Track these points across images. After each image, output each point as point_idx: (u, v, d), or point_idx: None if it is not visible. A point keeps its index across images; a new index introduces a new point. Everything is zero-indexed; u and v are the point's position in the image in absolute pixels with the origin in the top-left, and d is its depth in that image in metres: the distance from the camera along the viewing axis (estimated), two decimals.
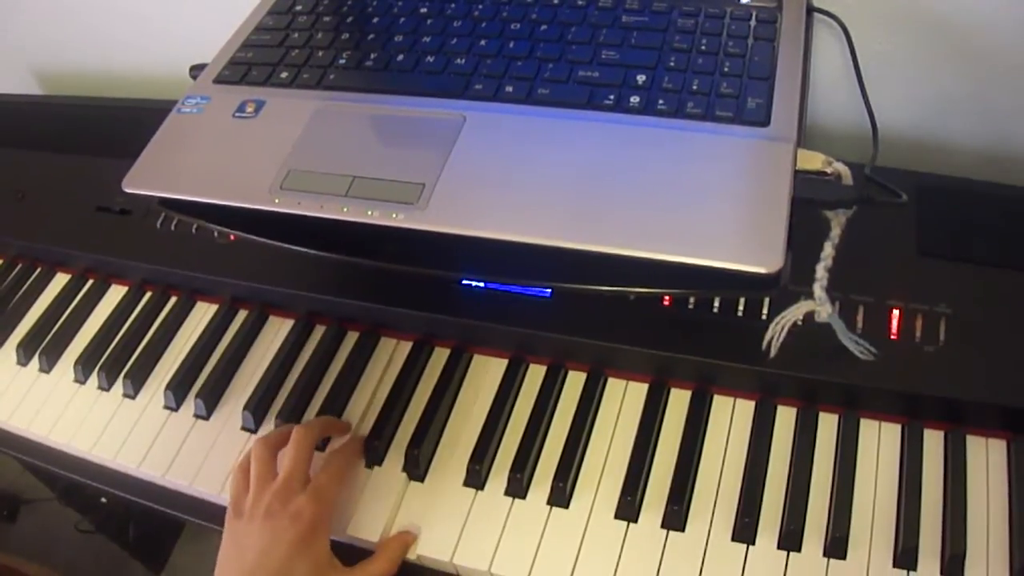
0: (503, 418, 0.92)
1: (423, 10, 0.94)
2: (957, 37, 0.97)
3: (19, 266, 1.22)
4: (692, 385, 0.91)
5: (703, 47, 0.85)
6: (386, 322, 1.02)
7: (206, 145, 0.86)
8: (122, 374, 1.04)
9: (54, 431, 1.02)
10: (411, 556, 0.85)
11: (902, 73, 1.02)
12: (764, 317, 0.88)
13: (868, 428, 0.86)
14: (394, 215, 0.75)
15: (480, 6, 0.93)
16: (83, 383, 1.06)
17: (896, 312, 0.86)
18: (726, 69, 0.83)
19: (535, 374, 0.95)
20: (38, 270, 1.20)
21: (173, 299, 1.12)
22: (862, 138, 0.96)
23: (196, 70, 0.96)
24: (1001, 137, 1.05)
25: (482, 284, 0.94)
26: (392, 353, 1.00)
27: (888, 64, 1.01)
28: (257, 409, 0.97)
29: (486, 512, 0.86)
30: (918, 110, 1.06)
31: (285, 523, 0.80)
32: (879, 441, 0.85)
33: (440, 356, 0.99)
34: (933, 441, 0.84)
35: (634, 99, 0.81)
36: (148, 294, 1.13)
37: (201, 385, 1.01)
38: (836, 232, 0.78)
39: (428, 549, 0.85)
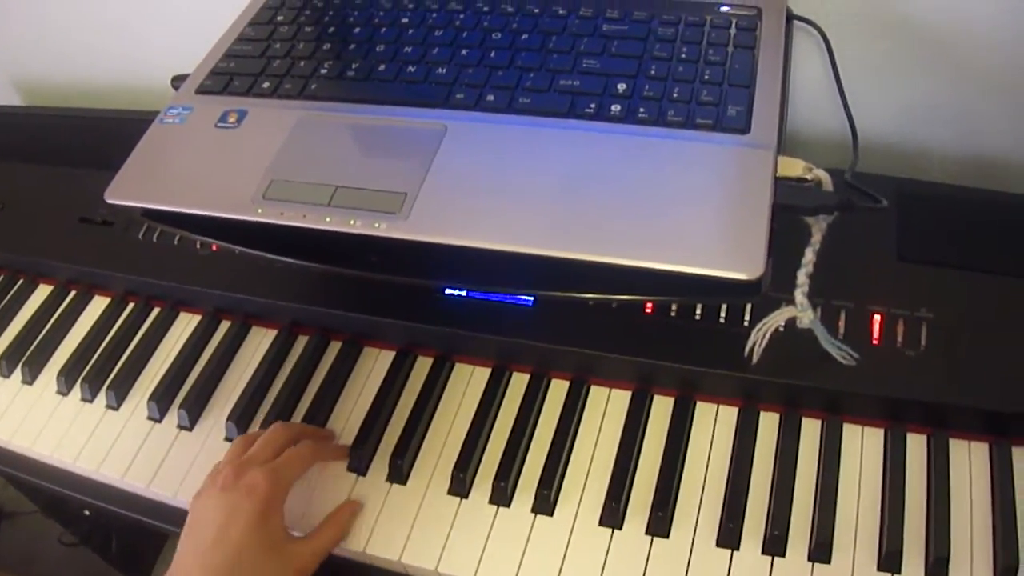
0: (487, 426, 0.92)
1: (404, 20, 0.95)
2: (936, 44, 0.98)
3: (1, 277, 1.21)
4: (675, 392, 0.91)
5: (683, 55, 0.86)
6: (369, 332, 1.02)
7: (188, 155, 0.86)
8: (105, 385, 1.03)
9: (37, 443, 1.01)
10: (395, 563, 0.85)
11: (882, 80, 1.02)
12: (746, 323, 0.88)
13: (851, 433, 0.86)
14: (376, 224, 0.75)
15: (461, 16, 0.94)
16: (66, 394, 1.05)
17: (878, 317, 0.87)
18: (706, 77, 0.83)
19: (518, 382, 0.95)
20: (20, 281, 1.20)
21: (156, 310, 1.11)
22: (842, 145, 0.97)
23: (178, 80, 0.96)
24: (980, 142, 1.06)
25: (465, 293, 0.94)
26: (375, 363, 1.00)
27: (868, 71, 1.01)
28: (240, 419, 0.97)
29: (471, 520, 0.86)
30: (898, 116, 1.06)
31: (240, 497, 0.80)
32: (862, 445, 0.85)
33: (423, 365, 0.99)
34: (916, 445, 0.85)
35: (615, 107, 0.81)
36: (131, 305, 1.12)
37: (184, 396, 1.00)
38: (817, 238, 0.79)
39: (413, 558, 0.84)
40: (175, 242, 1.09)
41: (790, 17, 0.92)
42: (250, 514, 0.79)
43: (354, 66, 0.91)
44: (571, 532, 0.84)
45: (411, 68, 0.89)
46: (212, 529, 0.79)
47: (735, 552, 0.81)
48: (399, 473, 0.90)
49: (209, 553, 0.78)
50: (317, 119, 0.86)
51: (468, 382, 0.96)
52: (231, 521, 0.79)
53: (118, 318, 1.11)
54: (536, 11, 0.93)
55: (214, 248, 1.06)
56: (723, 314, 0.89)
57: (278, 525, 0.82)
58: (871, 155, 1.04)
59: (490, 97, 0.84)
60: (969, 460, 0.84)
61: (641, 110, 0.81)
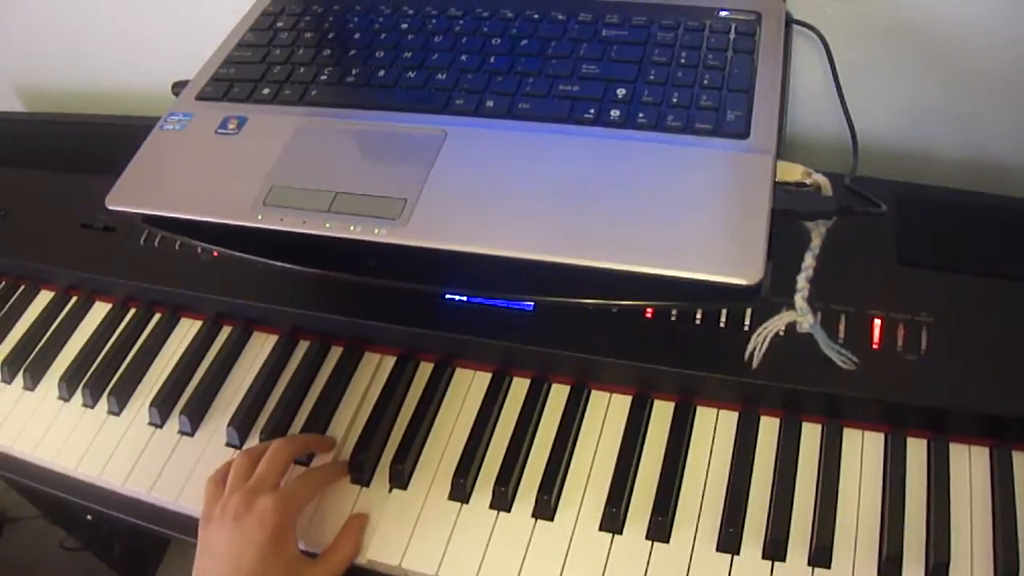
0: (487, 431, 0.92)
1: (404, 26, 0.95)
2: (935, 48, 0.98)
3: (2, 284, 1.21)
4: (675, 397, 0.91)
5: (683, 60, 0.86)
6: (369, 337, 1.02)
7: (189, 162, 0.87)
8: (106, 391, 1.03)
9: (39, 448, 1.01)
10: (395, 568, 0.85)
11: (881, 84, 1.02)
12: (746, 328, 0.88)
13: (851, 437, 0.86)
14: (376, 230, 0.75)
15: (461, 22, 0.94)
16: (67, 400, 1.05)
17: (878, 321, 0.87)
18: (706, 82, 0.83)
19: (519, 387, 0.95)
20: (22, 287, 1.20)
21: (157, 316, 1.11)
22: (842, 149, 0.97)
23: (178, 87, 0.96)
24: (980, 146, 1.06)
25: (465, 298, 0.94)
26: (376, 368, 1.00)
27: (867, 75, 1.01)
28: (241, 425, 0.97)
29: (471, 525, 0.86)
30: (897, 120, 1.06)
31: (253, 525, 0.80)
32: (862, 450, 0.85)
33: (424, 370, 0.99)
34: (916, 449, 0.85)
35: (614, 113, 0.81)
36: (132, 311, 1.12)
37: (186, 401, 1.00)
38: (816, 243, 0.79)
39: (413, 563, 0.84)
40: (176, 248, 1.09)
41: (789, 21, 0.92)
42: (264, 542, 0.79)
43: (354, 72, 0.91)
44: (571, 537, 0.84)
45: (411, 74, 0.89)
46: (228, 558, 0.79)
47: (735, 557, 0.81)
48: (400, 478, 0.90)
49: None
50: (317, 125, 0.86)
51: (469, 387, 0.96)
52: (245, 550, 0.79)
53: (119, 324, 1.12)
54: (535, 17, 0.93)
55: (215, 254, 1.06)
56: (723, 319, 0.90)
57: (292, 550, 0.82)
58: (871, 159, 1.04)
59: (490, 103, 0.84)
60: (969, 464, 0.83)
61: (640, 115, 0.81)
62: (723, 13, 0.91)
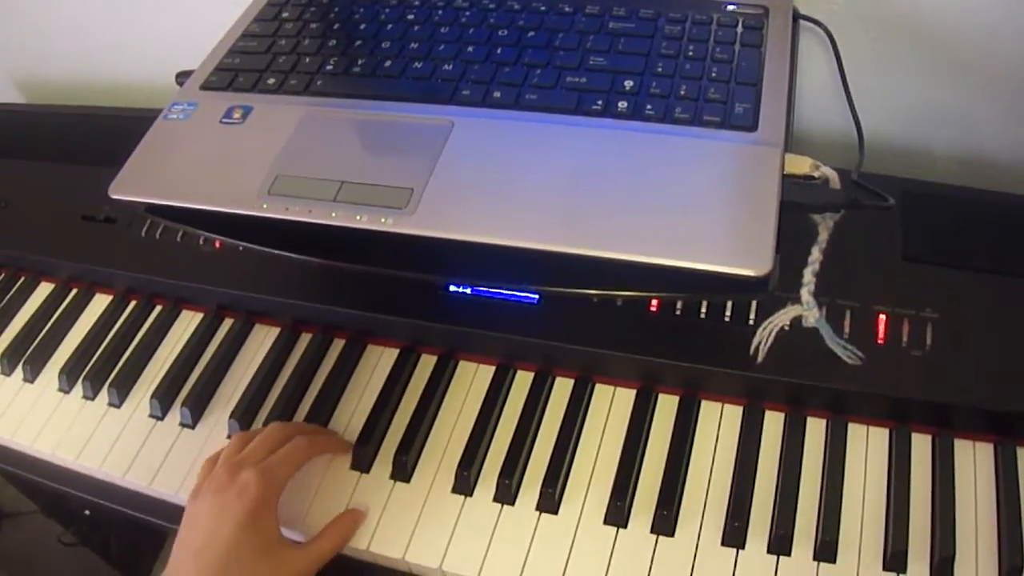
0: (491, 424, 0.92)
1: (410, 16, 0.95)
2: (941, 45, 0.98)
3: (2, 275, 1.21)
4: (680, 390, 0.91)
5: (690, 53, 0.86)
6: (372, 329, 1.01)
7: (193, 151, 0.86)
8: (107, 383, 1.03)
9: (38, 441, 1.01)
10: (399, 562, 0.85)
11: (887, 80, 1.02)
12: (751, 322, 0.88)
13: (856, 432, 0.86)
14: (383, 220, 0.75)
15: (467, 13, 0.94)
16: (67, 392, 1.05)
17: (883, 317, 0.87)
18: (713, 75, 0.83)
19: (523, 380, 0.95)
20: (22, 279, 1.19)
21: (158, 308, 1.11)
22: (847, 145, 0.97)
23: (183, 77, 0.95)
24: (983, 144, 1.06)
25: (469, 291, 0.94)
26: (378, 360, 1.00)
27: (873, 71, 1.01)
28: (243, 417, 0.96)
29: (475, 518, 0.86)
30: (902, 116, 1.06)
31: (231, 498, 0.80)
32: (867, 445, 0.85)
33: (427, 363, 0.98)
34: (921, 445, 0.85)
35: (622, 104, 0.81)
36: (133, 303, 1.12)
37: (187, 394, 1.00)
38: (824, 236, 0.79)
39: (417, 556, 0.84)
40: (178, 239, 1.08)
41: (796, 16, 0.92)
42: (241, 514, 0.79)
43: (360, 62, 0.90)
44: (576, 530, 0.84)
45: (417, 64, 0.89)
46: (205, 530, 0.79)
47: (740, 551, 0.80)
48: (403, 471, 0.89)
49: (202, 553, 0.78)
50: (323, 115, 0.86)
51: (472, 380, 0.96)
52: (223, 521, 0.79)
53: (120, 316, 1.11)
54: (543, 8, 0.93)
55: (217, 245, 1.05)
56: (728, 313, 0.89)
57: (271, 526, 0.82)
58: (875, 155, 1.03)
59: (497, 93, 0.84)
60: (974, 460, 0.83)
61: (648, 107, 0.80)
62: (730, 7, 0.91)
